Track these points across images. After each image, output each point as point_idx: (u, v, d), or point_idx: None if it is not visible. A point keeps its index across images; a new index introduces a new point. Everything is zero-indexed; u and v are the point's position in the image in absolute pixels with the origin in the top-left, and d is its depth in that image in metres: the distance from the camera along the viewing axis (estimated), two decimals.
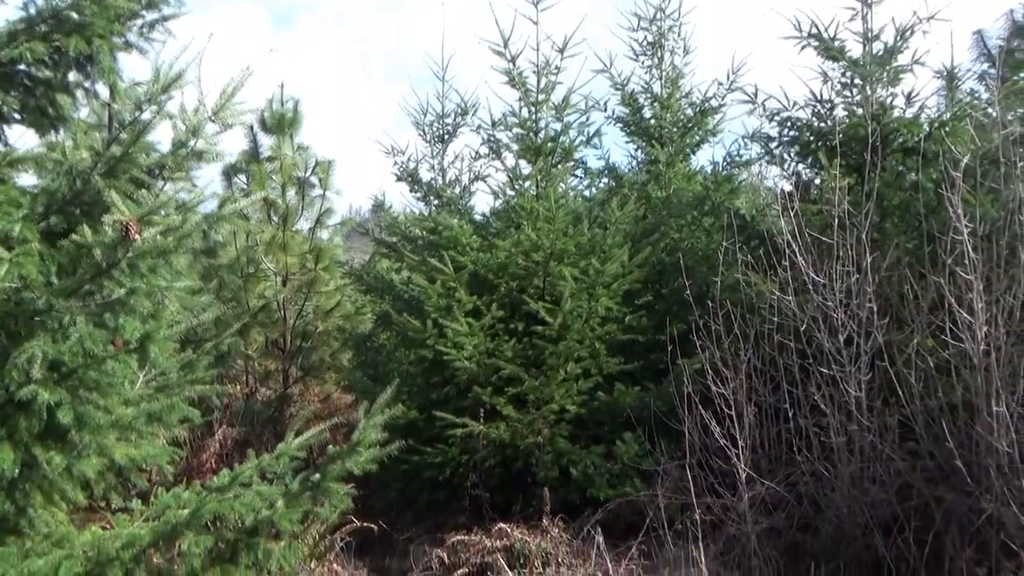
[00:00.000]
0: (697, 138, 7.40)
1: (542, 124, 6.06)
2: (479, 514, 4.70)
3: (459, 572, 3.86)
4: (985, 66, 7.63)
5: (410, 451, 4.75)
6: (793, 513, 4.02)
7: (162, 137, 3.55)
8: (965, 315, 3.64)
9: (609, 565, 3.63)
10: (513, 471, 4.87)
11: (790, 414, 4.10)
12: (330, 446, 3.39)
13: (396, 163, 7.11)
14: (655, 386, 4.94)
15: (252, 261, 7.11)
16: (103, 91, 3.73)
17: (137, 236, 2.85)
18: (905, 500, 3.76)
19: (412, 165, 7.04)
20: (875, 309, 4.05)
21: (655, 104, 7.47)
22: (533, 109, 6.07)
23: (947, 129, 5.46)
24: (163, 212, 3.03)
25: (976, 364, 3.58)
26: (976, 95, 7.10)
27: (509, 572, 3.63)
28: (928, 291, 3.98)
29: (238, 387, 7.21)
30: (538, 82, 6.05)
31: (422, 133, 7.36)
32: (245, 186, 7.44)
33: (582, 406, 4.95)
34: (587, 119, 6.24)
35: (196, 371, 3.88)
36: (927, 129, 5.51)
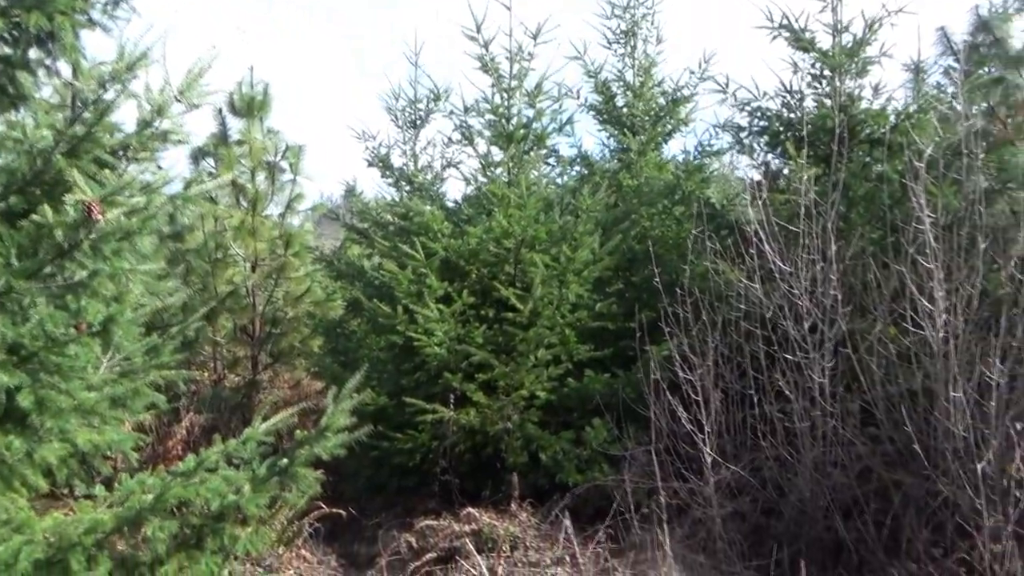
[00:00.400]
0: (669, 127, 7.44)
1: (514, 111, 6.05)
2: (449, 500, 4.72)
3: (427, 556, 3.87)
4: (950, 60, 7.76)
5: (380, 437, 4.75)
6: (757, 497, 4.09)
7: (127, 117, 3.49)
8: (926, 303, 3.72)
9: (576, 548, 3.67)
10: (483, 457, 4.89)
11: (755, 400, 4.16)
12: (298, 431, 3.37)
13: (368, 148, 7.06)
14: (624, 373, 4.98)
15: (220, 246, 7.02)
16: (65, 69, 3.65)
17: (100, 217, 2.80)
18: (865, 483, 3.85)
19: (384, 151, 7.00)
20: (839, 297, 4.12)
21: (628, 92, 7.50)
22: (505, 95, 6.06)
23: (912, 121, 5.56)
24: (127, 193, 2.99)
25: (935, 351, 3.66)
26: (942, 88, 7.24)
27: (477, 556, 3.65)
28: (891, 280, 4.06)
29: (206, 374, 7.13)
30: (511, 68, 6.04)
31: (394, 119, 7.31)
32: (213, 170, 7.33)
33: (552, 392, 4.98)
34: (560, 106, 6.24)
35: (161, 356, 3.83)
36: (893, 121, 5.61)
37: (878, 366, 3.93)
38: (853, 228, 4.94)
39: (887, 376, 4.00)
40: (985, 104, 7.54)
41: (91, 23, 3.54)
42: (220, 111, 7.29)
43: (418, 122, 7.24)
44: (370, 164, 7.08)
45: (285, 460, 3.27)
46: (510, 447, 4.79)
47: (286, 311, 7.18)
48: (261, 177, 7.34)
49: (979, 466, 3.30)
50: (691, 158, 7.07)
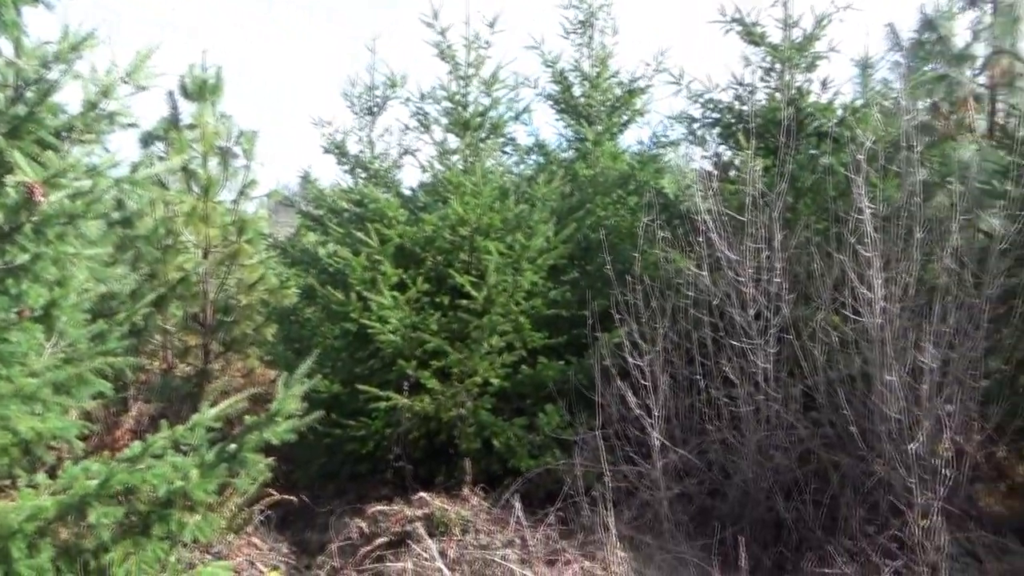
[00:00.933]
0: (625, 118, 7.53)
1: (471, 98, 6.06)
2: (402, 486, 4.73)
3: (379, 541, 3.89)
4: (897, 57, 7.99)
5: (333, 425, 4.74)
6: (704, 479, 4.20)
7: (72, 99, 3.44)
8: (865, 291, 3.85)
9: (527, 531, 3.73)
10: (436, 443, 4.91)
11: (703, 385, 4.27)
12: (248, 416, 3.36)
13: (324, 135, 7.00)
14: (577, 360, 5.05)
15: (171, 232, 6.89)
16: (7, 48, 3.55)
17: (42, 199, 2.76)
18: (805, 465, 3.99)
19: (340, 137, 6.94)
20: (784, 285, 4.24)
21: (585, 83, 7.55)
22: (462, 83, 6.06)
23: (858, 115, 5.74)
24: (71, 175, 2.94)
25: (873, 338, 3.80)
26: (889, 84, 7.45)
27: (428, 540, 3.68)
28: (833, 269, 4.19)
29: (155, 362, 7.01)
30: (468, 56, 6.04)
31: (351, 105, 7.25)
32: (164, 154, 7.18)
33: (506, 379, 5.02)
34: (516, 95, 6.27)
35: (108, 343, 3.77)
36: (840, 115, 5.77)
37: (820, 352, 4.07)
38: (800, 218, 5.08)
39: (828, 362, 4.14)
40: (930, 100, 7.78)
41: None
42: (171, 94, 7.15)
43: (375, 109, 7.18)
44: (326, 151, 7.02)
45: (234, 446, 3.25)
46: (464, 433, 4.83)
47: (239, 299, 7.09)
48: (213, 162, 7.23)
49: (911, 447, 3.44)
50: (646, 149, 7.17)
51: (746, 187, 4.62)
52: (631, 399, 4.08)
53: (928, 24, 8.17)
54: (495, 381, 4.99)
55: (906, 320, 3.81)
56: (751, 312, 4.17)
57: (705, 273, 4.29)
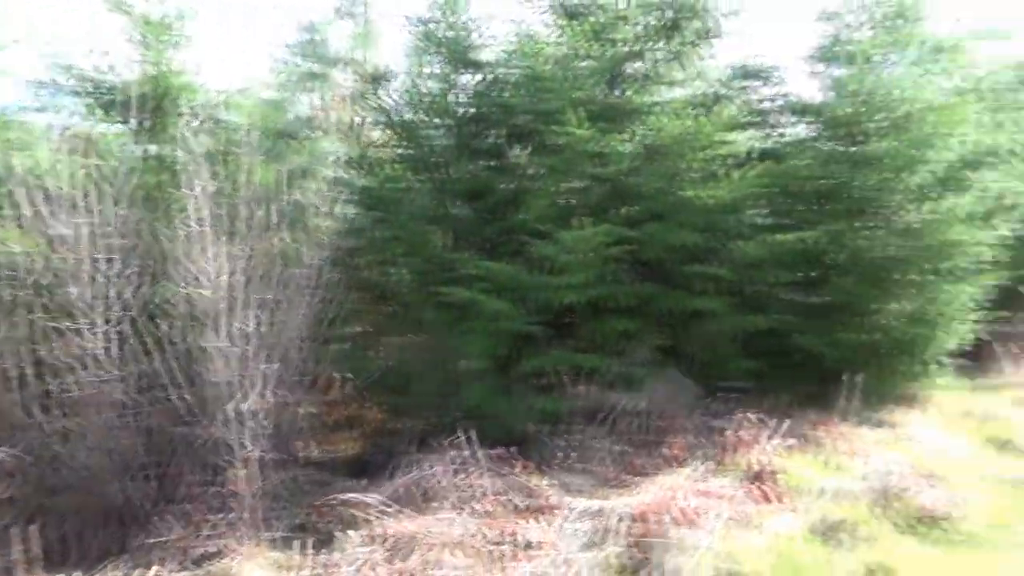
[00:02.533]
0: None
1: None
2: None
3: None
4: (282, 54, 8.63)
5: None
6: (36, 477, 3.85)
7: None
8: (203, 266, 4.01)
9: None
10: None
11: (32, 376, 3.90)
12: None
13: None
14: None
15: None
16: None
17: None
18: (150, 441, 3.99)
19: None
20: (134, 263, 4.15)
21: None
22: None
23: (231, 101, 5.98)
24: None
25: (208, 309, 3.99)
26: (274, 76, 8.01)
27: None
28: (179, 246, 4.26)
29: None
30: None
31: None
32: None
33: None
34: None
35: None
36: (215, 97, 5.92)
37: (164, 328, 4.10)
38: (155, 199, 5.03)
39: (175, 337, 4.20)
40: (315, 95, 8.63)
41: None
42: None
43: None
44: None
45: None
46: None
47: None
48: None
49: (237, 406, 3.73)
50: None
51: (92, 160, 4.39)
52: None
53: (311, 27, 9.07)
54: None
55: (238, 291, 4.10)
56: (90, 291, 3.96)
57: (25, 250, 3.92)
